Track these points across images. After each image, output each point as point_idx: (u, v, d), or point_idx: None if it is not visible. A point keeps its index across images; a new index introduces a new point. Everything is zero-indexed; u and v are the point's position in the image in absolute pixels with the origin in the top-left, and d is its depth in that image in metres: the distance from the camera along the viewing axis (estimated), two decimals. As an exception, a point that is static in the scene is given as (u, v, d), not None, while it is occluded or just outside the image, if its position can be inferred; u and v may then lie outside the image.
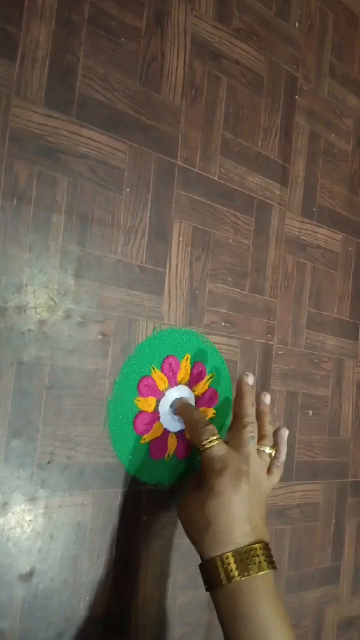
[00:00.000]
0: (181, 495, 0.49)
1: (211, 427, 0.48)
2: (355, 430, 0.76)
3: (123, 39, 0.51)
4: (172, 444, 0.54)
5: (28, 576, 0.45)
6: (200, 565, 0.44)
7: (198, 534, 0.43)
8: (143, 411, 0.51)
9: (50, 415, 0.46)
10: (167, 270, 0.54)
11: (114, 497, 0.50)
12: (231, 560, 0.41)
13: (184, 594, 0.56)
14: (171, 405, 0.53)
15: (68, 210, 0.47)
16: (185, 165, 0.56)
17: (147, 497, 0.52)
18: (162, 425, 0.53)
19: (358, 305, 0.77)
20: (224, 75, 0.60)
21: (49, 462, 0.46)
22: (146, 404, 0.52)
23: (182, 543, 0.55)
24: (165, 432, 0.53)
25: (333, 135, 0.74)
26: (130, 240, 0.51)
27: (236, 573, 0.41)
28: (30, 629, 0.45)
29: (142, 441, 0.51)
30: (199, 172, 0.57)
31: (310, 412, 0.69)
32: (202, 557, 0.44)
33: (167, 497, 0.54)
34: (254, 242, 0.63)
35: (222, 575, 0.41)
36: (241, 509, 0.42)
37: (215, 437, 0.46)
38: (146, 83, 0.53)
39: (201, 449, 0.46)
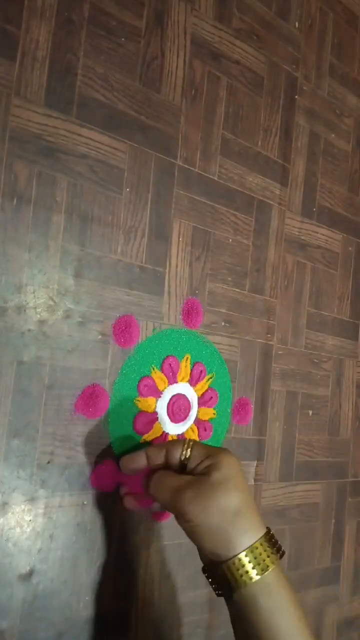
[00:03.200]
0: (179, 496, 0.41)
1: (173, 441, 0.44)
2: (354, 430, 0.76)
3: (123, 39, 0.51)
4: (172, 444, 0.54)
5: (28, 576, 0.45)
6: (215, 568, 0.40)
7: (221, 531, 0.39)
8: (143, 411, 0.51)
9: (50, 415, 0.46)
10: (167, 270, 0.54)
11: (114, 497, 0.50)
12: (262, 549, 0.39)
13: (184, 594, 0.56)
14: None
15: (68, 210, 0.47)
16: (185, 165, 0.56)
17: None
18: (161, 427, 0.53)
19: (358, 305, 0.77)
20: (224, 75, 0.60)
21: (48, 462, 0.46)
22: (146, 404, 0.52)
23: (182, 543, 0.55)
24: (165, 432, 0.53)
25: (333, 135, 0.74)
26: (130, 240, 0.51)
27: (269, 562, 0.38)
28: (30, 629, 0.45)
29: (141, 441, 0.51)
30: (199, 172, 0.57)
31: (310, 412, 0.69)
32: (223, 556, 0.39)
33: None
34: (254, 242, 0.63)
35: (254, 568, 0.38)
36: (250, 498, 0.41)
37: (186, 444, 0.43)
38: (146, 83, 0.53)
39: (184, 458, 0.43)
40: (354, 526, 0.75)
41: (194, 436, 0.56)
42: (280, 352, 0.65)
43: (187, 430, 0.55)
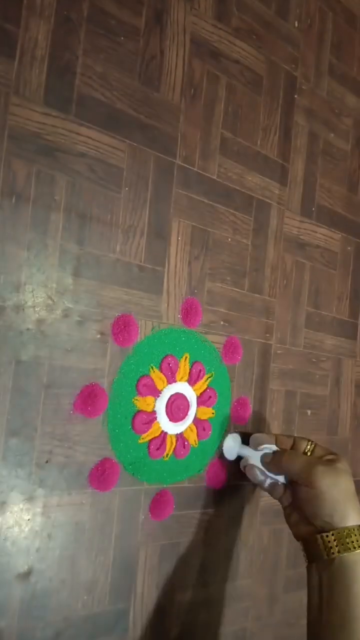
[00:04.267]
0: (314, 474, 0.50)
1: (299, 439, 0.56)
2: (353, 430, 0.76)
3: (122, 38, 0.51)
4: (170, 444, 0.54)
5: (26, 575, 0.45)
6: (313, 538, 0.48)
7: (340, 504, 0.48)
8: (142, 411, 0.51)
9: (48, 414, 0.46)
10: (166, 270, 0.54)
11: (113, 496, 0.50)
12: None
13: (183, 593, 0.56)
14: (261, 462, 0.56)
15: (67, 209, 0.47)
16: (185, 165, 0.56)
17: (145, 497, 0.52)
18: (160, 426, 0.53)
19: (357, 305, 0.77)
20: (223, 74, 0.60)
21: (47, 461, 0.46)
22: (145, 403, 0.52)
23: (181, 542, 0.55)
24: (164, 432, 0.53)
25: (332, 135, 0.74)
26: (129, 239, 0.51)
27: None
28: (28, 629, 0.45)
29: (140, 440, 0.51)
30: (198, 171, 0.57)
31: (309, 412, 0.69)
32: (336, 524, 0.47)
33: (166, 497, 0.54)
34: (253, 241, 0.63)
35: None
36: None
37: (310, 442, 0.55)
38: (145, 82, 0.53)
39: (308, 450, 0.55)
40: (352, 526, 0.75)
41: (193, 436, 0.56)
42: (279, 352, 0.65)
43: (186, 429, 0.55)
